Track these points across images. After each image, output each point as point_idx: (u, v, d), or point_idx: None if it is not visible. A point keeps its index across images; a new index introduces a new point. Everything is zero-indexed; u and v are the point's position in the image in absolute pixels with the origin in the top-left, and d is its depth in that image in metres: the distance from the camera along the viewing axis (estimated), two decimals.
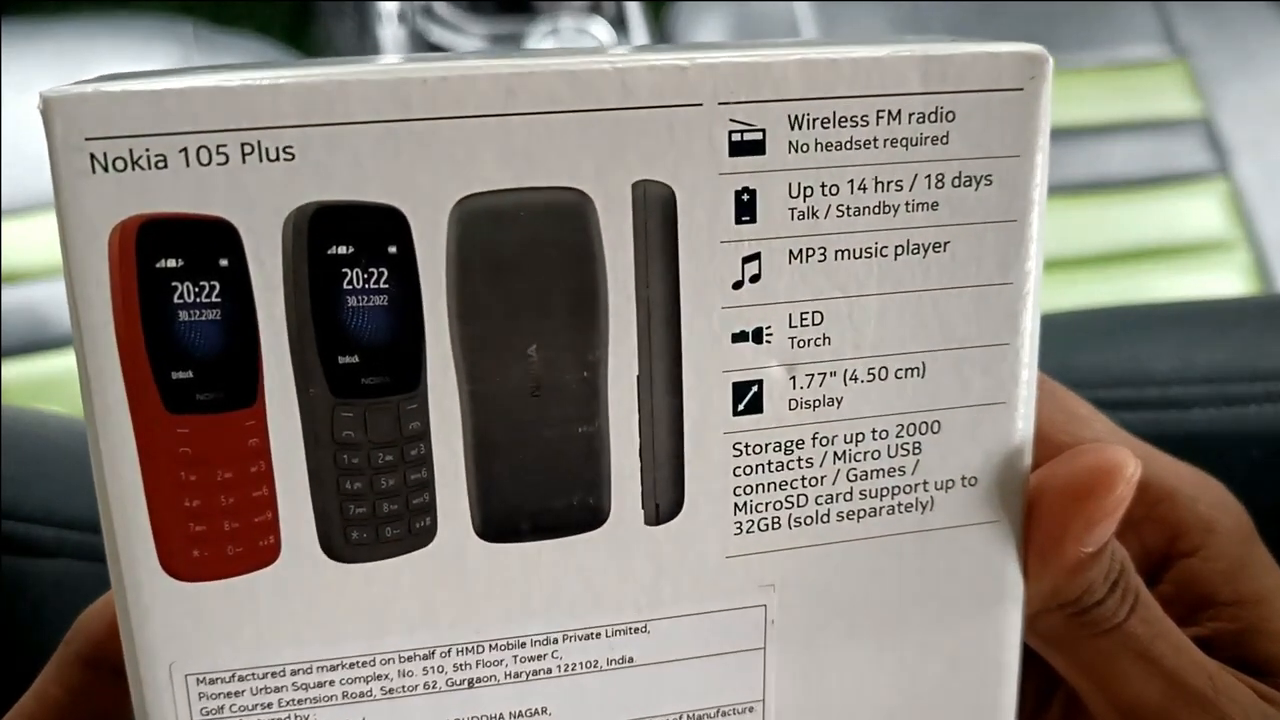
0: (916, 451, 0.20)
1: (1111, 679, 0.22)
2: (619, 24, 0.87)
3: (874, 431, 0.20)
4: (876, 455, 0.20)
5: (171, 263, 0.17)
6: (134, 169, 0.16)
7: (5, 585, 0.30)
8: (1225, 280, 0.85)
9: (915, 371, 0.20)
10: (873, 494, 0.20)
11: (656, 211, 0.18)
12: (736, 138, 0.18)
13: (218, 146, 0.16)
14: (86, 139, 0.16)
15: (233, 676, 0.18)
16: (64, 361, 0.68)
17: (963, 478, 0.20)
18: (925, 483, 0.20)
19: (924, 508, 0.20)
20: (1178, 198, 0.87)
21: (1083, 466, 0.20)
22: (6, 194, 0.72)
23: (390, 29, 0.87)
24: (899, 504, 0.20)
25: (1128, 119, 0.89)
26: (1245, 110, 0.91)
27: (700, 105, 0.18)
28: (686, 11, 0.92)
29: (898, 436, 0.20)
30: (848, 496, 0.20)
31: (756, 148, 0.18)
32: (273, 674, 0.19)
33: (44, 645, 0.22)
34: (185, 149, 0.16)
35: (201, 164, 0.16)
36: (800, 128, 0.18)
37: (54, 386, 0.67)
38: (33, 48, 0.80)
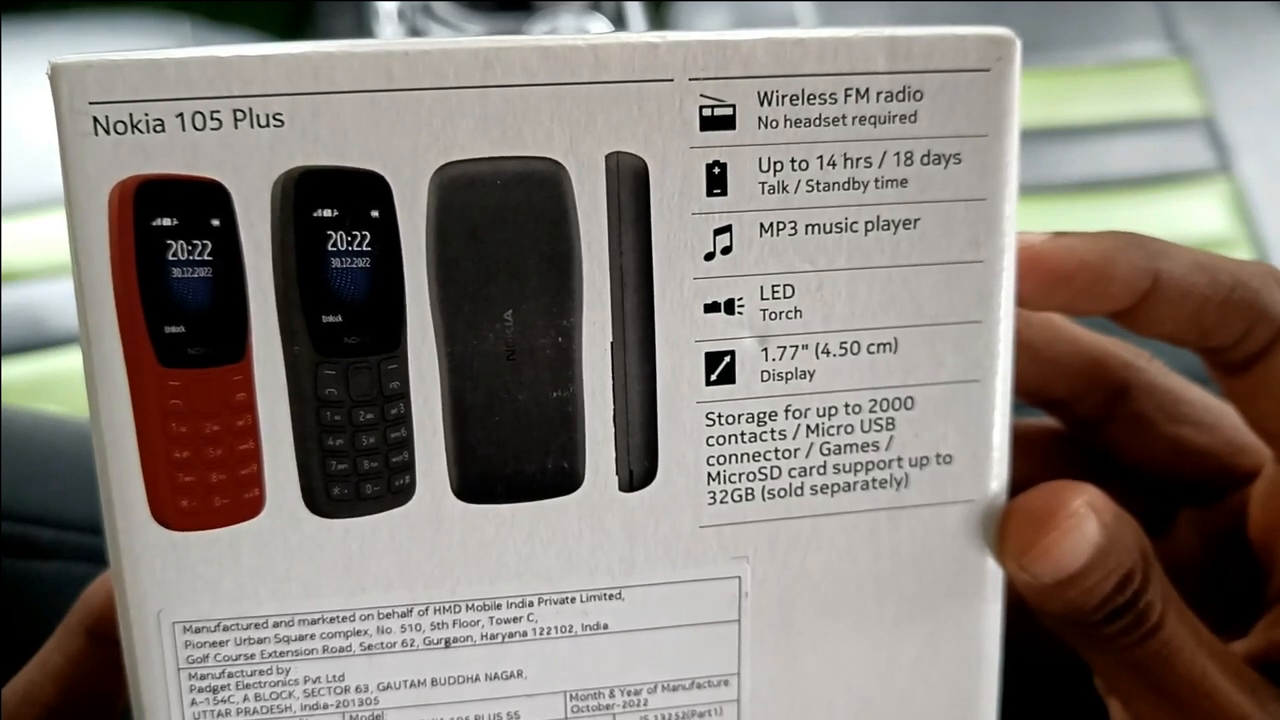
0: (890, 427, 0.20)
1: (1127, 699, 0.21)
2: (618, 22, 0.88)
3: (847, 405, 0.20)
4: (849, 429, 0.20)
5: (167, 221, 0.18)
6: (133, 132, 0.17)
7: (4, 586, 0.31)
8: None
9: (887, 347, 0.20)
10: (846, 468, 0.20)
11: (629, 182, 0.19)
12: (707, 112, 0.19)
13: (211, 112, 0.18)
14: (90, 103, 0.17)
15: (217, 626, 0.19)
16: (63, 361, 0.69)
17: (937, 455, 0.21)
18: (899, 459, 0.20)
19: (898, 484, 0.21)
20: (1180, 197, 0.86)
21: (1034, 500, 0.20)
22: (6, 194, 0.74)
23: (389, 28, 0.88)
24: (873, 479, 0.20)
25: (1129, 117, 0.88)
26: (1247, 109, 0.90)
27: (671, 80, 0.18)
28: (686, 10, 0.93)
29: (870, 411, 0.20)
30: (821, 470, 0.20)
31: (727, 123, 0.19)
32: (255, 625, 0.19)
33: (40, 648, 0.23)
34: (181, 114, 0.17)
35: (196, 129, 0.18)
36: (769, 104, 0.19)
37: (53, 386, 0.67)
38: (32, 47, 0.82)
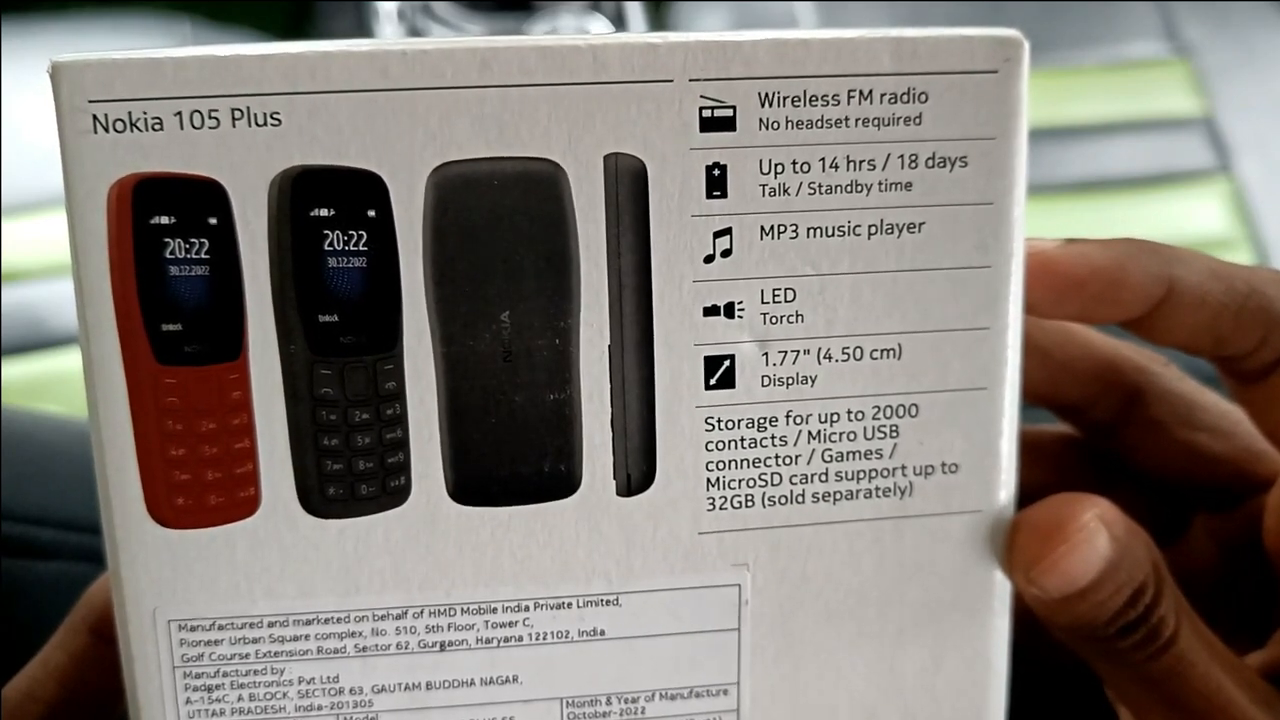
0: (894, 434, 0.20)
1: (1139, 711, 0.21)
2: (618, 22, 0.88)
3: (849, 412, 0.20)
4: (852, 436, 0.20)
5: (164, 220, 0.18)
6: (132, 130, 0.18)
7: (4, 586, 0.31)
8: None
9: (891, 353, 0.20)
10: (849, 476, 0.20)
11: (627, 183, 0.18)
12: (707, 114, 0.18)
13: (209, 111, 0.18)
14: (89, 101, 0.17)
15: (212, 625, 0.19)
16: (63, 361, 0.69)
17: (943, 464, 0.20)
18: (903, 467, 0.20)
19: (902, 493, 0.20)
20: (1180, 197, 0.85)
21: (1043, 512, 0.20)
22: (6, 194, 0.74)
23: (389, 28, 0.88)
24: (876, 488, 0.20)
25: (1129, 118, 0.88)
26: (1247, 109, 0.89)
27: (671, 81, 0.18)
28: (686, 10, 0.93)
29: (874, 418, 0.20)
30: (823, 477, 0.20)
31: (727, 124, 0.19)
32: (250, 625, 0.19)
33: (42, 647, 0.23)
34: (180, 113, 0.18)
35: (194, 127, 0.18)
36: (771, 105, 0.19)
37: (53, 386, 0.68)
38: (32, 47, 0.83)
